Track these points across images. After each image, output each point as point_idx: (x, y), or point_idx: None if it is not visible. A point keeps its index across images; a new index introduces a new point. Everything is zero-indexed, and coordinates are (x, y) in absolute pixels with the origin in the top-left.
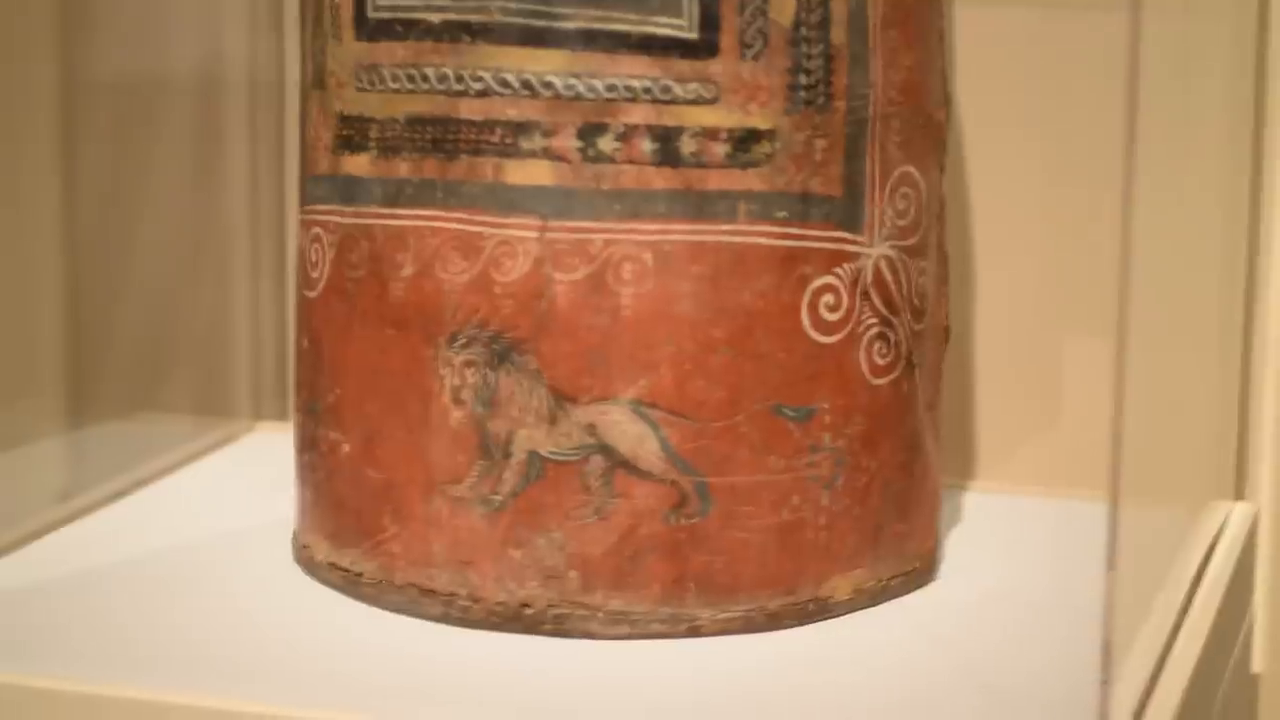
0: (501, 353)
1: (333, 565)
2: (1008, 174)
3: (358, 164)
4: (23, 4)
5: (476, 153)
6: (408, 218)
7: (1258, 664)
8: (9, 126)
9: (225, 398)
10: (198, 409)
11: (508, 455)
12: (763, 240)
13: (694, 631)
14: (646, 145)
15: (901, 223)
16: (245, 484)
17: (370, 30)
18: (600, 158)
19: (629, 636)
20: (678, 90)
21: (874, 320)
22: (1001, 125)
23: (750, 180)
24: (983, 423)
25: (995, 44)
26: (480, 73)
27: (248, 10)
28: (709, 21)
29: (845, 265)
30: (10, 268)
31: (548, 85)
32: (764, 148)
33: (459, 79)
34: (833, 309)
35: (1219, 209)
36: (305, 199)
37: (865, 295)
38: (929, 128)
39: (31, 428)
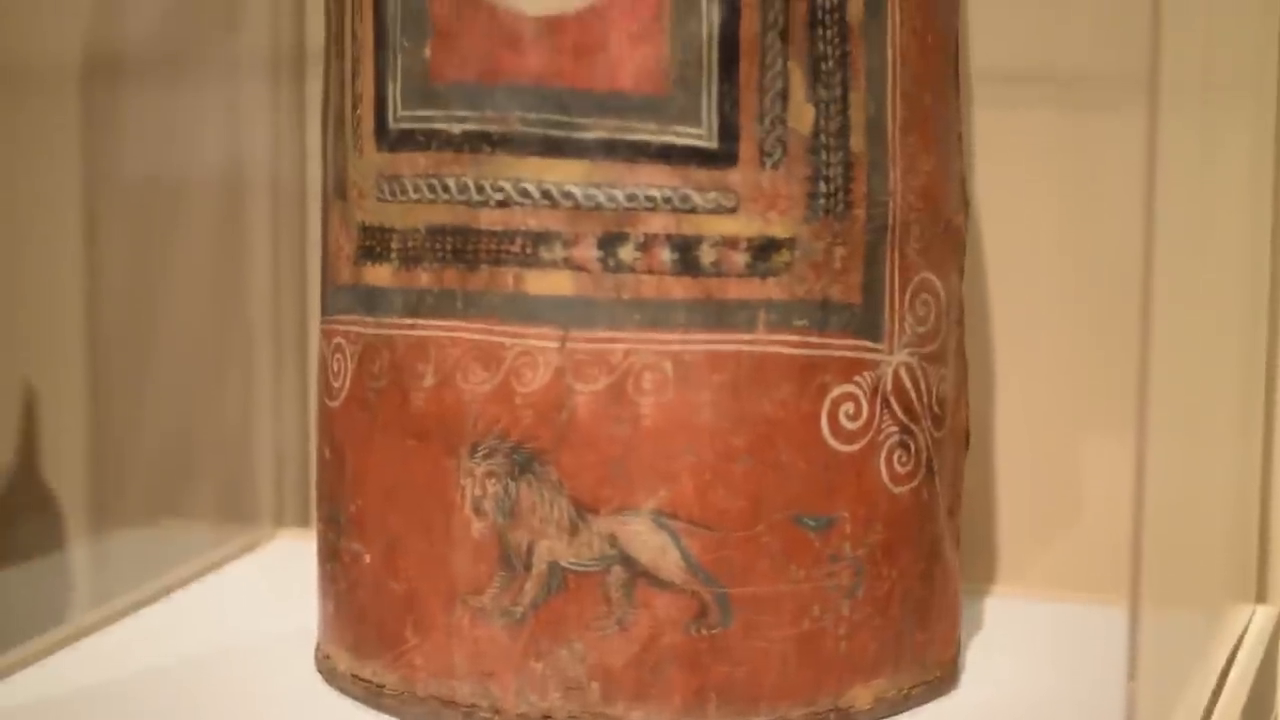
0: (523, 463)
1: (355, 676)
2: (1026, 274)
3: (379, 274)
4: (47, 103)
5: (497, 263)
6: (429, 328)
7: None
8: (33, 228)
9: (247, 504)
10: (220, 515)
11: (529, 566)
12: (783, 349)
13: None
14: (666, 255)
15: (921, 330)
16: (267, 592)
17: (392, 141)
18: (620, 267)
19: None
20: (697, 199)
21: (894, 428)
22: (1019, 225)
23: (770, 289)
24: (1003, 526)
25: (1013, 145)
26: (501, 183)
27: (269, 112)
28: (728, 130)
29: (865, 373)
30: (33, 372)
31: (568, 195)
32: (783, 256)
33: (479, 189)
34: (853, 417)
35: (1238, 308)
36: (327, 309)
37: (885, 403)
38: (948, 233)
39: (54, 535)
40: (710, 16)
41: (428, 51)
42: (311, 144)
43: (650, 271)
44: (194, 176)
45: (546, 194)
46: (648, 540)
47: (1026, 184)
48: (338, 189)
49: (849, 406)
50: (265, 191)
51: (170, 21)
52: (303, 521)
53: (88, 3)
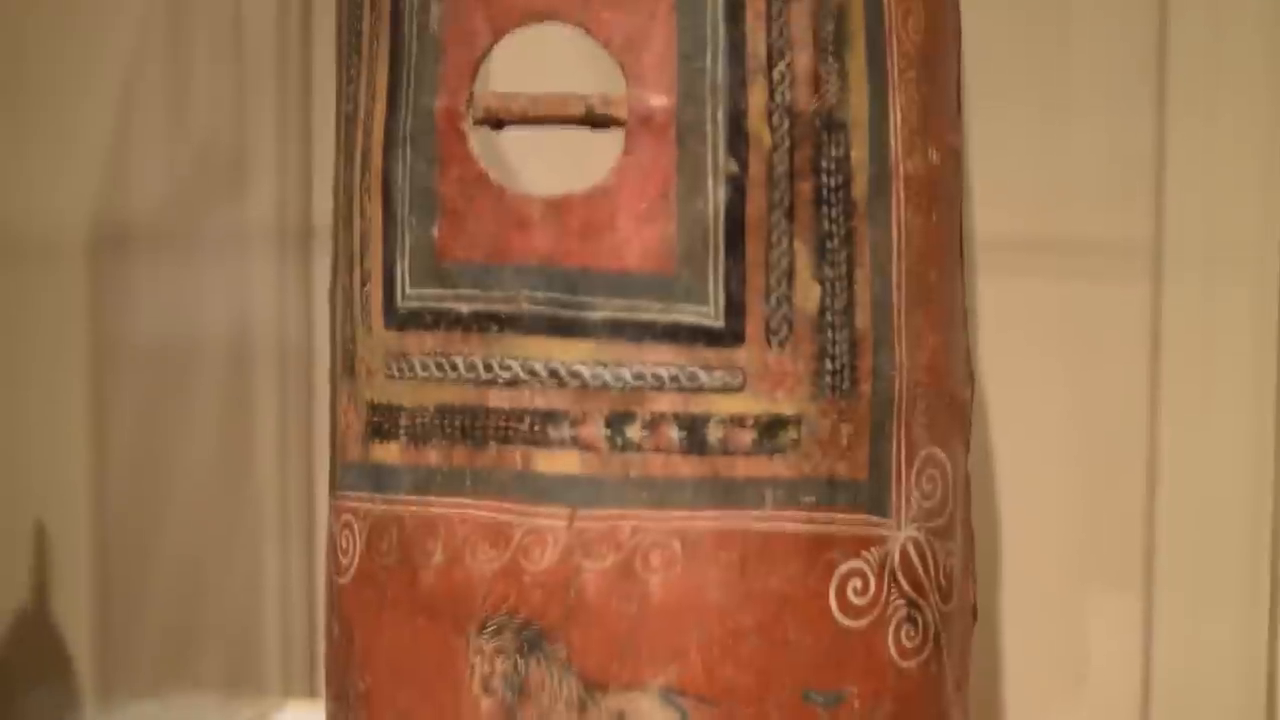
0: (531, 641)
1: None
2: (1030, 445)
3: (387, 452)
4: (55, 273)
5: (505, 441)
6: (437, 506)
7: None
8: (41, 398)
9: (256, 674)
10: (228, 686)
11: None
12: (790, 526)
13: None
14: (674, 434)
15: (928, 504)
16: None
17: (400, 319)
18: (628, 446)
19: None
20: (704, 378)
21: (901, 603)
22: (1023, 396)
23: (777, 467)
24: (1009, 696)
25: (1017, 313)
26: (509, 362)
27: (276, 285)
28: (734, 309)
29: (872, 549)
30: (40, 542)
31: (575, 375)
32: (790, 434)
33: (488, 368)
34: (860, 593)
35: (1243, 478)
36: (335, 485)
37: (893, 578)
38: (954, 408)
39: (60, 706)
40: (716, 196)
41: (436, 230)
42: (318, 317)
43: (658, 450)
44: (202, 348)
45: (554, 373)
46: (656, 717)
47: (1031, 353)
48: (346, 366)
49: (856, 582)
50: (272, 363)
51: (178, 194)
52: (310, 692)
53: (95, 175)
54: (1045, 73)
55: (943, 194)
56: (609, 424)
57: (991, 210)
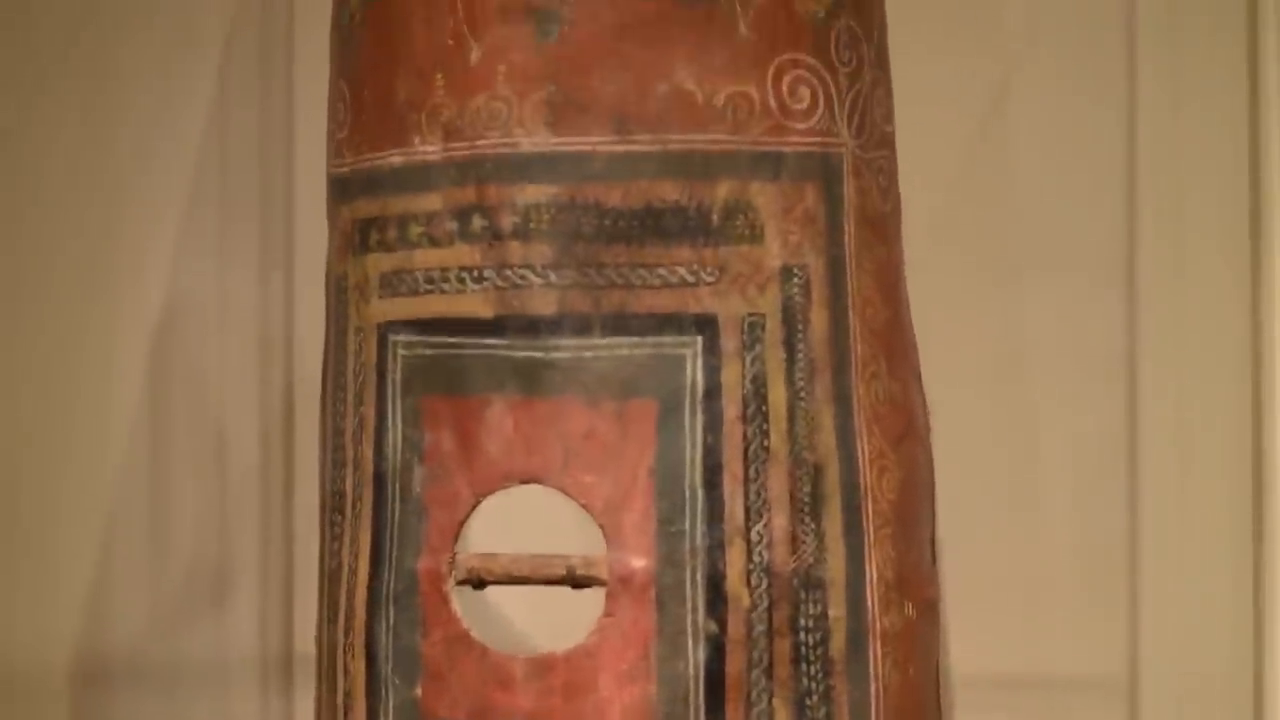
0: None
1: None
2: None
3: None
4: (37, 700)
5: None
6: None
7: None
8: None
9: None
10: None
11: None
12: None
13: None
14: None
15: None
16: None
17: None
18: None
19: None
20: None
21: None
22: None
23: None
24: None
25: None
26: None
27: (258, 706)
28: None
29: None
30: None
31: None
32: None
33: None
34: None
35: None
36: None
37: None
38: None
39: None
40: (696, 656)
41: (419, 690)
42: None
43: None
44: None
45: None
46: None
47: None
48: None
49: None
50: None
51: (160, 621)
52: None
53: (78, 606)
54: (1015, 513)
55: (919, 648)
56: None
57: (966, 647)
